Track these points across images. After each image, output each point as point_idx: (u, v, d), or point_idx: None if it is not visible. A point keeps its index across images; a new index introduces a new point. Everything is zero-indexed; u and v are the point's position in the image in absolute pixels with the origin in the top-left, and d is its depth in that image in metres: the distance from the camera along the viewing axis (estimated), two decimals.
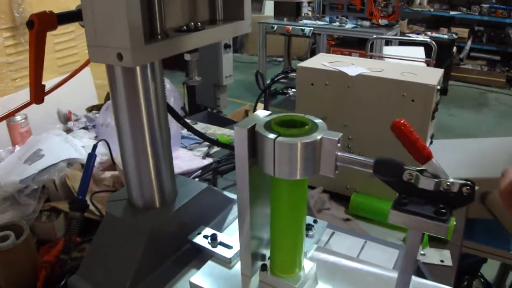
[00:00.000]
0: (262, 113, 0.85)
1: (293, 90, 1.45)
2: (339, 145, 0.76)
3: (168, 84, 1.76)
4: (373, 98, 1.31)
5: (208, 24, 0.99)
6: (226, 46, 3.31)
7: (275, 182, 0.84)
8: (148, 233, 1.01)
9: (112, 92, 0.96)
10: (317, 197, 1.38)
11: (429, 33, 6.95)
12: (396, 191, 0.75)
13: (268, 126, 0.79)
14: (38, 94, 0.97)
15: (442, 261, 1.24)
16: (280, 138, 0.75)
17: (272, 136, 0.76)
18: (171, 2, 0.92)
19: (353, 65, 1.40)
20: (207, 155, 1.78)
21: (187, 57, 0.96)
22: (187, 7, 0.98)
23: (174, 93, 1.78)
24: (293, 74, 1.44)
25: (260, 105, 2.22)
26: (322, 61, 1.45)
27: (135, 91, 0.93)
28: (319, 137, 0.76)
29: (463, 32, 7.75)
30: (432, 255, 1.25)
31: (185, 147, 1.88)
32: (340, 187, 1.46)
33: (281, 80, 1.72)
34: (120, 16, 0.72)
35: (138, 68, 0.90)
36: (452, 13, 7.83)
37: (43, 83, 1.01)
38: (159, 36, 0.83)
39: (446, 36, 6.84)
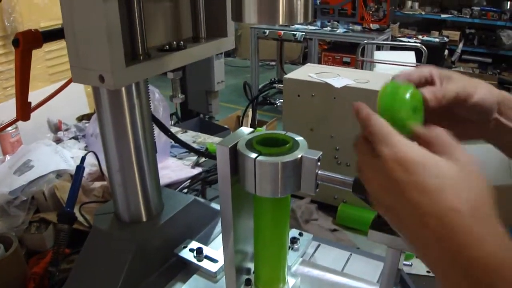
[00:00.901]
0: (245, 130, 0.86)
1: (281, 100, 1.46)
2: (319, 163, 0.77)
3: (157, 94, 1.77)
4: None
5: (191, 42, 1.00)
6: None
7: (257, 200, 0.85)
8: (134, 247, 1.02)
9: (97, 108, 0.97)
10: (304, 207, 1.39)
11: (420, 36, 6.99)
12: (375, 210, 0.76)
13: (250, 144, 0.80)
14: (24, 111, 0.98)
15: (428, 271, 1.25)
16: (260, 158, 0.76)
17: (253, 155, 0.77)
18: (153, 21, 0.93)
19: (339, 76, 1.41)
20: (196, 164, 1.79)
21: (170, 75, 0.97)
22: (169, 25, 0.99)
23: (163, 102, 1.78)
24: (280, 85, 1.45)
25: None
26: (309, 72, 1.46)
27: (120, 108, 0.94)
28: (299, 156, 0.77)
29: (455, 35, 7.78)
30: (419, 266, 1.26)
31: (175, 156, 1.89)
32: (328, 197, 1.47)
33: (275, 85, 1.74)
34: (100, 39, 0.73)
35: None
36: (443, 16, 7.86)
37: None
38: (141, 57, 0.84)
39: (437, 39, 6.87)
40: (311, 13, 0.73)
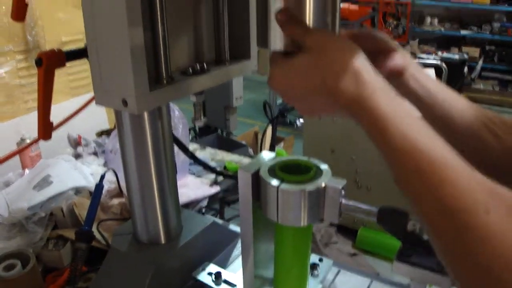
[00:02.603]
0: (267, 155, 0.85)
1: (301, 121, 1.44)
2: (343, 192, 0.76)
3: (177, 111, 1.77)
4: None
5: (214, 64, 0.99)
6: None
7: (279, 228, 0.84)
8: (153, 270, 1.01)
9: (119, 130, 0.96)
10: (324, 231, 1.37)
11: (440, 53, 6.93)
12: (400, 241, 0.74)
13: (272, 170, 0.79)
14: (46, 131, 0.98)
15: None
16: (283, 185, 0.75)
17: (275, 182, 0.75)
18: (176, 43, 0.93)
19: None
20: (214, 182, 1.78)
21: (193, 98, 0.96)
22: (192, 48, 0.98)
23: (183, 120, 1.78)
24: None
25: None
26: None
27: (142, 130, 0.94)
28: (323, 185, 0.75)
29: (474, 51, 7.72)
30: None
31: (193, 174, 1.88)
32: (348, 220, 1.45)
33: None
34: (124, 63, 0.73)
35: None
36: (463, 32, 7.81)
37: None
38: (165, 81, 0.83)
39: (457, 56, 6.81)
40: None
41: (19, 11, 0.94)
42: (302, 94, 0.68)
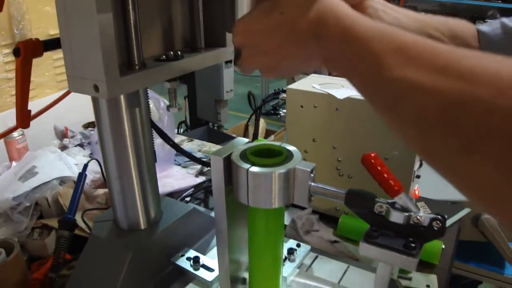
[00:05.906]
0: (240, 141, 0.87)
1: (284, 111, 1.46)
2: (312, 175, 0.77)
3: (162, 103, 1.78)
4: (361, 121, 1.32)
5: (189, 52, 1.00)
6: (227, 61, 3.32)
7: (251, 211, 0.85)
8: (131, 255, 1.02)
9: (96, 116, 0.97)
10: (305, 218, 1.38)
11: None
12: (368, 223, 0.76)
13: (244, 155, 0.81)
14: (24, 119, 0.99)
15: (428, 286, 1.23)
16: (253, 168, 0.76)
17: (245, 166, 0.77)
18: (150, 31, 0.94)
19: (343, 87, 1.40)
20: (200, 173, 1.79)
21: (167, 85, 0.97)
22: (167, 35, 0.99)
23: (168, 112, 1.79)
24: (284, 95, 1.45)
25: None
26: (313, 82, 1.46)
27: (119, 116, 0.95)
28: (292, 168, 0.77)
29: None
30: (418, 280, 1.24)
31: (179, 165, 1.89)
32: (329, 208, 1.46)
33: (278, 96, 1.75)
34: (94, 48, 0.74)
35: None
36: None
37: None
38: (137, 67, 0.84)
39: None
40: None
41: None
42: (264, 41, 0.65)
